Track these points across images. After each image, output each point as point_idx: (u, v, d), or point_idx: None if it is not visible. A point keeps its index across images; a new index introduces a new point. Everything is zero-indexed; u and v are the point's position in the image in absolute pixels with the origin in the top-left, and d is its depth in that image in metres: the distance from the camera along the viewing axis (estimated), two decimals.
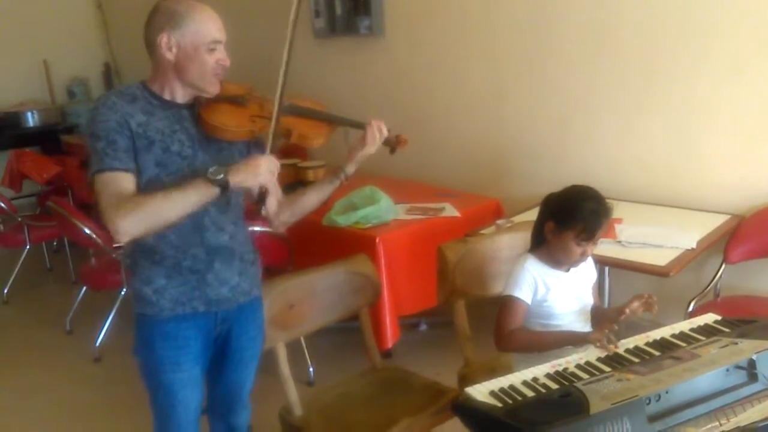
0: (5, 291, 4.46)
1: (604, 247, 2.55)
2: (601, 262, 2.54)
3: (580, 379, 1.54)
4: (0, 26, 6.04)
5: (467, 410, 1.50)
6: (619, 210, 2.95)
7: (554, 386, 1.52)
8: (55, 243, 5.12)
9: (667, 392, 1.39)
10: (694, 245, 2.52)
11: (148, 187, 1.64)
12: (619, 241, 2.60)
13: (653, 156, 3.12)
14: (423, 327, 3.64)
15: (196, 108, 1.73)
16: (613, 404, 1.34)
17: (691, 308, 2.69)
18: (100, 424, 2.97)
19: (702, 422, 1.39)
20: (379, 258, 2.92)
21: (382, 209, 3.06)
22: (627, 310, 1.85)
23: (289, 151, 3.95)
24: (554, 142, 3.46)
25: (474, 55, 3.70)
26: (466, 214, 3.24)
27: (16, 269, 4.48)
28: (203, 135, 1.72)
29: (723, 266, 2.82)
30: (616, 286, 2.81)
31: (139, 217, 1.54)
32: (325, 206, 3.25)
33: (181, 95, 1.72)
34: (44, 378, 3.43)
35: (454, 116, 3.90)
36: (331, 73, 4.53)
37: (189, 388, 1.80)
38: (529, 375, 1.58)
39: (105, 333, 3.53)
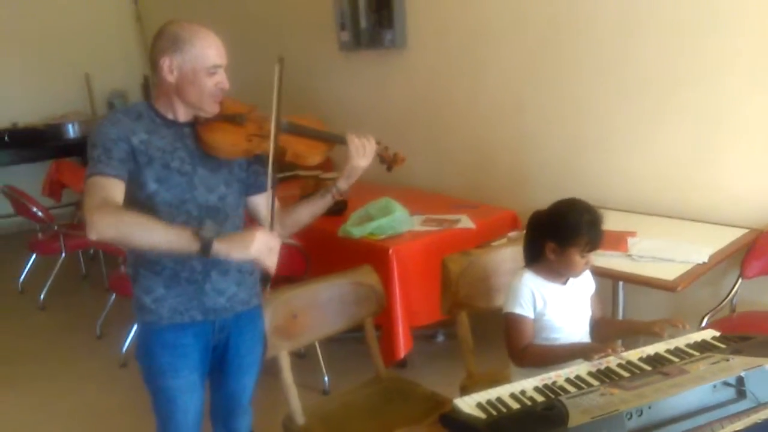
0: (41, 297, 4.62)
1: (614, 261, 2.55)
2: (611, 276, 2.53)
3: (567, 392, 1.55)
4: (44, 42, 6.33)
5: (452, 422, 1.53)
6: (634, 223, 2.96)
7: (541, 399, 1.53)
8: (91, 251, 5.28)
9: (650, 407, 1.39)
10: (705, 259, 2.49)
11: (148, 203, 1.72)
12: (630, 255, 2.58)
13: (671, 168, 3.09)
14: (440, 338, 3.66)
15: (196, 126, 1.80)
16: (592, 418, 1.35)
17: (704, 323, 2.65)
18: (122, 426, 3.08)
19: None
20: (392, 269, 2.96)
21: (396, 220, 3.10)
22: (656, 329, 1.84)
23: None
24: (571, 152, 3.46)
25: (492, 65, 3.72)
26: (481, 226, 3.26)
27: (52, 276, 4.65)
28: (203, 151, 1.79)
29: (739, 281, 2.78)
30: (630, 300, 2.79)
31: (113, 222, 1.57)
32: (342, 217, 3.33)
33: (182, 114, 1.79)
34: (73, 380, 3.57)
35: (473, 127, 3.92)
36: (356, 84, 4.61)
37: (188, 394, 1.87)
38: (518, 388, 1.59)
39: (131, 339, 3.64)
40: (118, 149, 1.68)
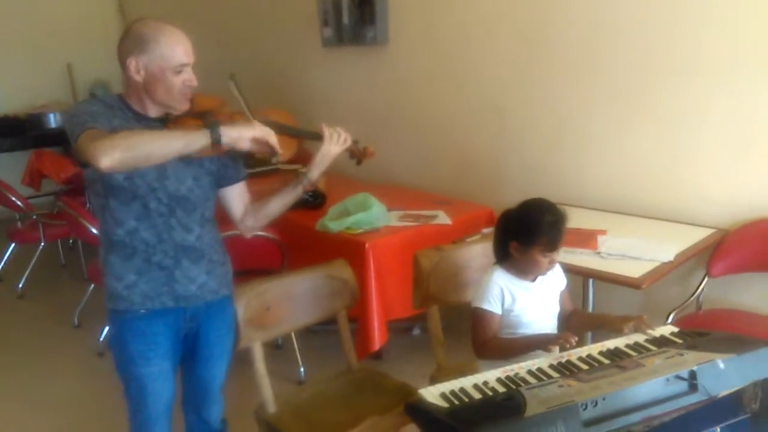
0: (20, 285, 4.63)
1: (583, 258, 2.61)
2: (580, 273, 2.59)
3: (527, 383, 1.61)
4: (26, 31, 6.30)
5: (416, 410, 1.58)
6: (605, 221, 3.03)
7: (502, 390, 1.59)
8: (70, 241, 5.28)
9: (604, 399, 1.45)
10: (671, 258, 2.55)
11: (125, 183, 1.75)
12: (599, 253, 2.65)
13: (641, 169, 3.16)
14: (416, 331, 3.71)
15: (167, 123, 1.82)
16: (548, 408, 1.40)
17: (670, 320, 2.72)
18: (100, 413, 3.09)
19: (639, 429, 1.46)
20: (368, 263, 3.01)
21: (373, 216, 3.14)
22: (626, 330, 1.86)
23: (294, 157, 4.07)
24: (547, 152, 3.52)
25: (474, 64, 3.77)
26: (458, 222, 3.31)
27: (31, 265, 4.66)
28: None
29: (705, 279, 2.86)
30: (600, 297, 2.86)
31: (119, 143, 1.54)
32: (320, 211, 3.37)
33: (152, 111, 1.82)
34: (51, 368, 3.59)
35: (453, 125, 3.97)
36: (338, 80, 4.64)
37: (159, 382, 1.90)
38: (481, 379, 1.65)
39: (108, 329, 3.67)
40: (102, 120, 1.68)
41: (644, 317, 1.87)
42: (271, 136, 1.71)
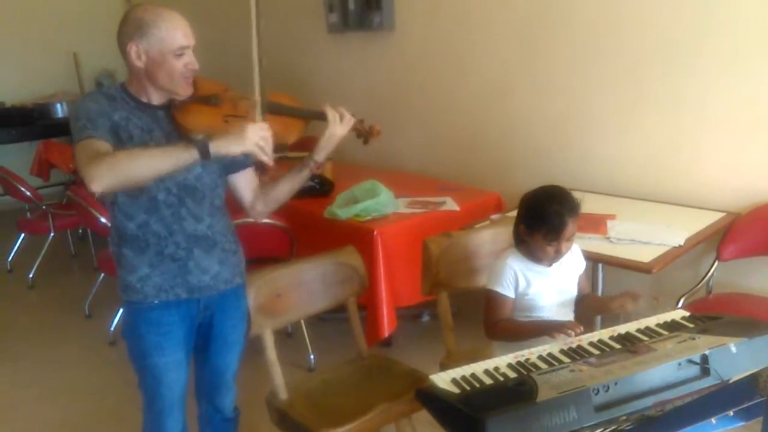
0: (30, 275, 4.65)
1: (593, 243, 2.60)
2: (589, 258, 2.58)
3: (538, 369, 1.60)
4: (32, 21, 6.30)
5: (428, 396, 1.58)
6: (614, 206, 3.01)
7: (513, 375, 1.59)
8: (80, 231, 5.30)
9: (616, 384, 1.44)
10: (681, 242, 2.54)
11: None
12: (608, 237, 2.64)
13: (650, 153, 3.14)
14: (426, 318, 3.71)
15: (171, 109, 1.81)
16: (560, 393, 1.40)
17: (680, 304, 2.71)
18: (111, 402, 3.13)
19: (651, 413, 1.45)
20: (376, 250, 3.00)
21: (381, 203, 3.14)
22: (613, 306, 1.91)
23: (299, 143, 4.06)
24: (554, 137, 3.50)
25: (479, 50, 3.75)
26: (466, 208, 3.30)
27: (41, 255, 4.68)
28: (179, 134, 1.80)
29: (716, 263, 2.84)
30: (609, 282, 2.85)
31: (109, 167, 1.57)
32: (328, 198, 3.37)
33: (155, 98, 1.81)
34: (62, 358, 3.61)
35: (461, 110, 3.96)
36: (344, 66, 4.62)
37: (174, 372, 1.91)
38: (492, 364, 1.64)
39: (119, 318, 3.68)
40: (102, 122, 1.69)
41: (632, 292, 1.89)
42: (264, 154, 1.69)
